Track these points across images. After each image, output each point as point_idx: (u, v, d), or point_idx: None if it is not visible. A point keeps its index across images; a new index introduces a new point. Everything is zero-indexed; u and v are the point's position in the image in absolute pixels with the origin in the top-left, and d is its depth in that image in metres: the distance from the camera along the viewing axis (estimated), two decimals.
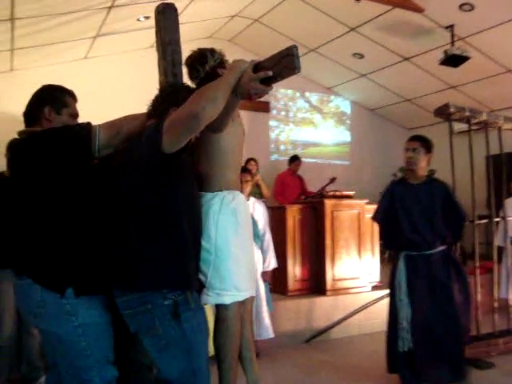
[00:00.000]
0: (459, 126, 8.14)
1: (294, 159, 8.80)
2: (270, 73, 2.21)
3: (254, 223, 4.89)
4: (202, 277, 2.67)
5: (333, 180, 7.92)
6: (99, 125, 2.37)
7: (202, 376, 2.33)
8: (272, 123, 10.18)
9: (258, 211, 5.00)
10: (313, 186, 8.40)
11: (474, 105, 8.65)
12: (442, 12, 7.17)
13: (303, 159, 8.94)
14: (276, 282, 5.64)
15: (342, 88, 10.64)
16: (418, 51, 8.39)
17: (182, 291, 2.28)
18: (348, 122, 11.10)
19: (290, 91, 10.32)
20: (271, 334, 4.88)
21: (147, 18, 6.93)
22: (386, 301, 5.96)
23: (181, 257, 2.30)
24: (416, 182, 4.10)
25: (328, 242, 5.77)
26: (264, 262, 4.94)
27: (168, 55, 2.97)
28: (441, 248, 4.00)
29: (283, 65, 2.18)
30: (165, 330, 2.24)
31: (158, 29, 3.03)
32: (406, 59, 8.71)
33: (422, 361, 3.83)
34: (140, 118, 2.51)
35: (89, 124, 2.38)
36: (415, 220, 3.96)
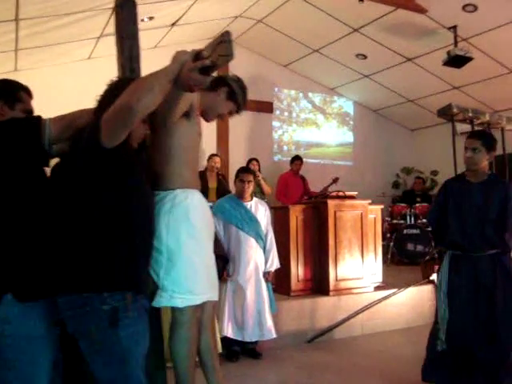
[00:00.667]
0: (462, 127, 8.18)
1: (295, 159, 8.81)
2: (208, 61, 2.13)
3: (257, 223, 4.92)
4: (155, 277, 2.62)
5: (335, 180, 7.94)
6: (49, 118, 2.30)
7: None
8: (275, 124, 10.19)
9: (261, 211, 5.00)
10: (316, 187, 8.42)
11: (478, 106, 8.67)
12: (445, 13, 7.18)
13: (306, 160, 8.97)
14: (279, 282, 5.65)
15: (345, 89, 10.65)
16: (421, 52, 8.40)
17: (122, 296, 2.15)
18: (351, 122, 11.11)
19: (293, 92, 10.33)
20: (274, 335, 4.89)
21: (151, 18, 6.97)
22: (389, 301, 6.02)
23: (126, 258, 2.19)
24: (475, 180, 3.74)
25: (331, 242, 5.78)
26: (266, 262, 4.95)
27: (126, 50, 2.93)
28: (491, 251, 3.65)
29: (218, 52, 2.10)
30: (100, 336, 2.14)
31: (116, 23, 2.98)
32: (409, 60, 8.72)
33: (455, 368, 3.63)
34: (89, 113, 2.36)
35: (39, 116, 2.31)
36: (465, 220, 3.68)
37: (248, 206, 4.94)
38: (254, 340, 4.85)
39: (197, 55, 2.17)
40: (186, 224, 2.66)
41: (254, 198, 5.09)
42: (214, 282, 2.87)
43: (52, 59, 7.43)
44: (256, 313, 4.82)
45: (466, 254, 3.67)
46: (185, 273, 2.63)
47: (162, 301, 2.63)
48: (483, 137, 3.76)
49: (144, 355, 2.26)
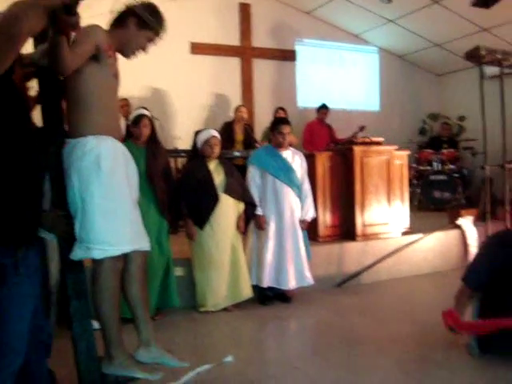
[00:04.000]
0: (491, 70, 8.02)
1: (321, 108, 8.75)
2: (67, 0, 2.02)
3: (293, 172, 4.97)
4: (75, 229, 2.55)
5: (362, 128, 7.90)
6: None
7: (7, 350, 2.02)
8: (299, 72, 10.09)
9: (297, 161, 5.06)
10: (342, 135, 8.38)
11: (508, 48, 8.45)
12: None
13: (332, 107, 8.91)
14: (307, 227, 5.74)
15: (369, 35, 10.44)
16: None
17: (12, 252, 1.96)
18: (377, 69, 10.95)
19: (316, 39, 10.17)
20: (312, 281, 5.02)
21: None
22: (416, 246, 6.08)
23: (9, 211, 1.95)
24: None
25: (358, 188, 5.81)
26: (302, 210, 5.03)
27: None
28: None
29: None
30: None
31: None
32: (436, 2, 8.47)
33: None
34: None
35: None
36: None
37: (284, 156, 4.99)
38: (292, 288, 4.96)
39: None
40: (97, 171, 2.55)
41: (291, 148, 5.13)
42: (139, 232, 2.77)
43: None
44: (294, 261, 4.93)
45: None
46: (99, 222, 2.54)
47: (79, 253, 2.56)
48: None
49: (22, 319, 2.06)
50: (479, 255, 3.73)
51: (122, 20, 2.77)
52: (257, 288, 4.90)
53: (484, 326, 3.44)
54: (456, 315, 3.49)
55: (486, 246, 3.76)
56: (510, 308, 3.29)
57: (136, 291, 2.79)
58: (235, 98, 9.05)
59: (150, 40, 2.83)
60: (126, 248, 2.65)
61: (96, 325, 2.73)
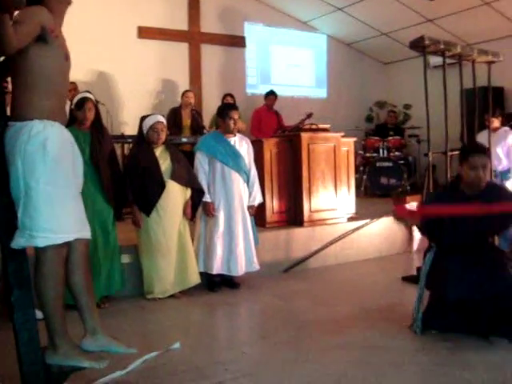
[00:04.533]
0: (434, 61, 8.20)
1: (269, 94, 8.76)
2: None
3: (241, 158, 4.97)
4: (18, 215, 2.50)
5: (309, 115, 7.95)
6: None
7: None
8: (248, 58, 10.07)
9: (244, 147, 5.06)
10: (290, 122, 8.42)
11: (451, 39, 8.65)
12: None
13: (280, 94, 8.94)
14: (255, 214, 5.76)
15: (318, 22, 10.51)
16: None
17: None
18: (324, 56, 11.02)
19: (265, 25, 10.16)
20: (258, 267, 5.06)
21: None
22: (362, 232, 6.19)
23: None
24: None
25: (305, 174, 5.86)
26: (250, 196, 5.05)
27: None
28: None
29: None
30: None
31: None
32: None
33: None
34: None
35: None
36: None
37: (232, 142, 4.98)
38: (241, 273, 4.99)
39: None
40: (43, 156, 2.49)
41: (238, 134, 5.12)
42: (82, 220, 2.71)
43: None
44: (244, 246, 4.96)
45: None
46: (43, 209, 2.48)
47: (22, 241, 2.48)
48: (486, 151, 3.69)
49: None
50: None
51: None
52: (205, 274, 4.90)
53: (428, 210, 3.69)
54: (403, 206, 3.73)
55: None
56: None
57: (79, 279, 2.73)
58: (183, 84, 8.96)
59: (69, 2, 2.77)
60: (69, 236, 2.59)
61: (39, 314, 2.67)
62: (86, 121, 4.33)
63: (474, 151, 3.61)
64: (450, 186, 3.90)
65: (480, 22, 8.66)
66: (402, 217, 3.65)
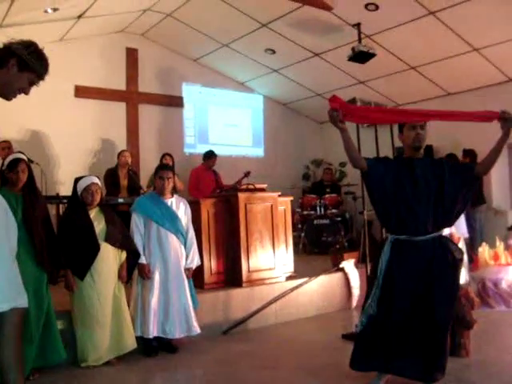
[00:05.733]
0: None
1: (210, 155, 8.83)
2: None
3: (178, 220, 4.94)
4: None
5: (247, 174, 8.02)
6: None
7: None
8: (186, 118, 10.17)
9: (181, 209, 5.03)
10: (228, 181, 8.48)
11: (382, 100, 9.06)
12: (349, 11, 7.44)
13: (218, 153, 9.01)
14: (192, 275, 5.69)
15: (254, 83, 10.79)
16: (327, 47, 8.67)
17: None
18: (261, 116, 11.25)
19: (203, 86, 10.32)
20: (198, 330, 4.95)
21: (55, 9, 6.77)
22: (301, 290, 6.19)
23: None
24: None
25: (242, 234, 5.87)
26: (187, 259, 5.00)
27: None
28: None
29: None
30: None
31: None
32: (317, 55, 8.97)
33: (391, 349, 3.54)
34: None
35: None
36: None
37: (169, 203, 4.96)
38: (179, 337, 4.88)
39: None
40: None
41: (175, 195, 5.10)
42: (18, 288, 2.56)
43: None
44: (181, 309, 4.85)
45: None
46: None
47: None
48: None
49: None
50: None
51: (1, 60, 2.57)
52: (141, 339, 4.75)
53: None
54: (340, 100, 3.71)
55: None
56: None
57: (9, 354, 2.52)
58: (121, 144, 8.93)
59: (32, 82, 2.65)
60: (3, 306, 2.42)
61: None
62: (19, 182, 4.21)
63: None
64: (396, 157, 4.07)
65: (409, 84, 9.11)
66: (336, 108, 3.52)
